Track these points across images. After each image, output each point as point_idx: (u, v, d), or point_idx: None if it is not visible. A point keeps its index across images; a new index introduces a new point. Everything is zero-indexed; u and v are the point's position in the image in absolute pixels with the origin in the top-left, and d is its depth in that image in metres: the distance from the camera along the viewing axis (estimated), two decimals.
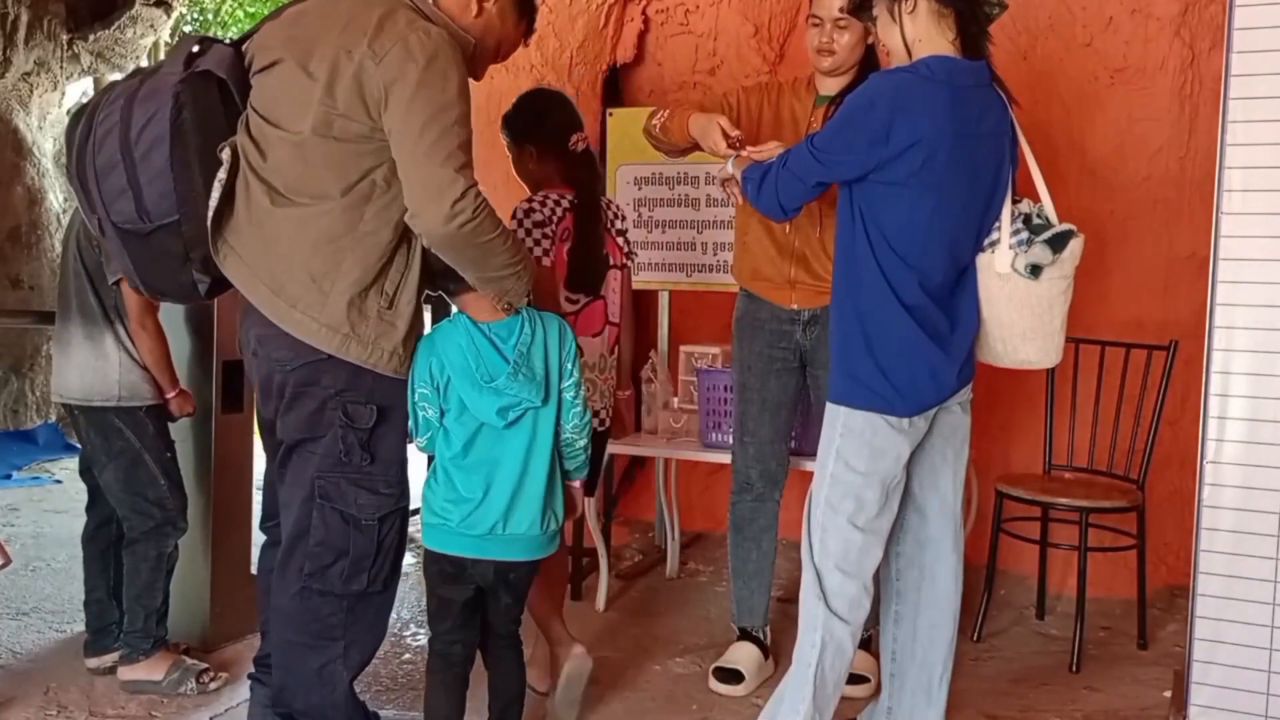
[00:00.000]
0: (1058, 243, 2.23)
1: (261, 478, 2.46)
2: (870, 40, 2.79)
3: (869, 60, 2.84)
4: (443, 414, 2.21)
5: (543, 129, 2.73)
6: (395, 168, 2.03)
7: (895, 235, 2.20)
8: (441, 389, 2.20)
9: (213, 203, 2.03)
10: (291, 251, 2.05)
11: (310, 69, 2.02)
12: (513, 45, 2.35)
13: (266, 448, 2.33)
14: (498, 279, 2.12)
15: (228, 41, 2.16)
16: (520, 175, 2.80)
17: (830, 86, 2.85)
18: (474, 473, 2.21)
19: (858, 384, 2.25)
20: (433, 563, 2.28)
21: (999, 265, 2.25)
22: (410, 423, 2.22)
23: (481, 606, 2.33)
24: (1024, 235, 2.25)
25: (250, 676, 2.46)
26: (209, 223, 2.05)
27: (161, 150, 2.02)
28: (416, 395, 2.19)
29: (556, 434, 2.28)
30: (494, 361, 2.19)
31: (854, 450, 2.26)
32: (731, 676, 2.94)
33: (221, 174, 2.03)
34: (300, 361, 2.07)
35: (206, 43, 2.13)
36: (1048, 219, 2.28)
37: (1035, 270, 2.23)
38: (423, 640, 3.17)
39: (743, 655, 2.99)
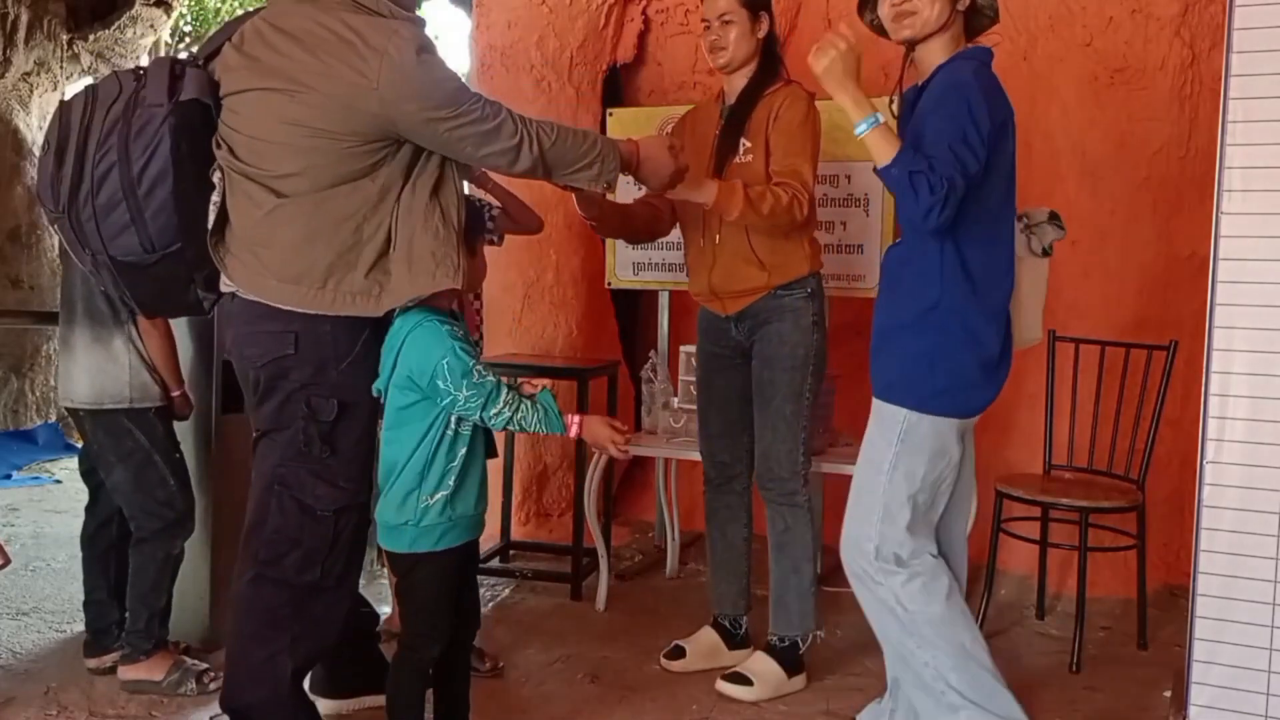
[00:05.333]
0: (1059, 220, 2.42)
1: None
2: (762, 34, 2.81)
3: (768, 55, 2.84)
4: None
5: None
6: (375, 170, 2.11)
7: (1008, 227, 2.28)
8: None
9: (210, 222, 2.16)
10: (313, 235, 2.10)
11: (293, 91, 2.04)
12: None
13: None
14: (578, 174, 2.22)
15: (196, 63, 2.20)
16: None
17: (736, 85, 2.86)
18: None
19: (940, 393, 2.29)
20: None
21: (1018, 249, 2.36)
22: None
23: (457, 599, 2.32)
24: (1022, 221, 2.41)
25: None
26: (209, 240, 2.17)
27: (165, 185, 2.10)
28: None
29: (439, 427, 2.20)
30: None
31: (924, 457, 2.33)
32: (677, 653, 3.08)
33: (216, 196, 2.14)
34: (269, 357, 2.14)
35: (179, 66, 2.18)
36: None
37: (1048, 250, 2.42)
38: None
39: (704, 638, 3.11)
